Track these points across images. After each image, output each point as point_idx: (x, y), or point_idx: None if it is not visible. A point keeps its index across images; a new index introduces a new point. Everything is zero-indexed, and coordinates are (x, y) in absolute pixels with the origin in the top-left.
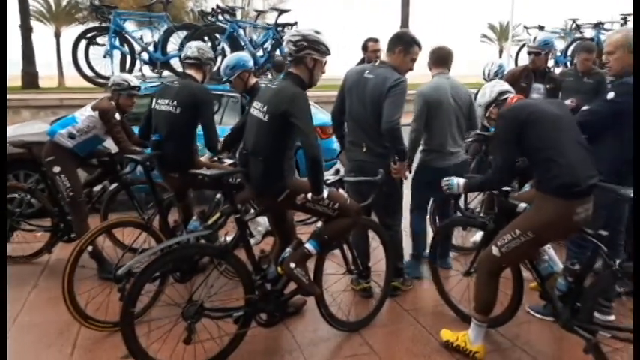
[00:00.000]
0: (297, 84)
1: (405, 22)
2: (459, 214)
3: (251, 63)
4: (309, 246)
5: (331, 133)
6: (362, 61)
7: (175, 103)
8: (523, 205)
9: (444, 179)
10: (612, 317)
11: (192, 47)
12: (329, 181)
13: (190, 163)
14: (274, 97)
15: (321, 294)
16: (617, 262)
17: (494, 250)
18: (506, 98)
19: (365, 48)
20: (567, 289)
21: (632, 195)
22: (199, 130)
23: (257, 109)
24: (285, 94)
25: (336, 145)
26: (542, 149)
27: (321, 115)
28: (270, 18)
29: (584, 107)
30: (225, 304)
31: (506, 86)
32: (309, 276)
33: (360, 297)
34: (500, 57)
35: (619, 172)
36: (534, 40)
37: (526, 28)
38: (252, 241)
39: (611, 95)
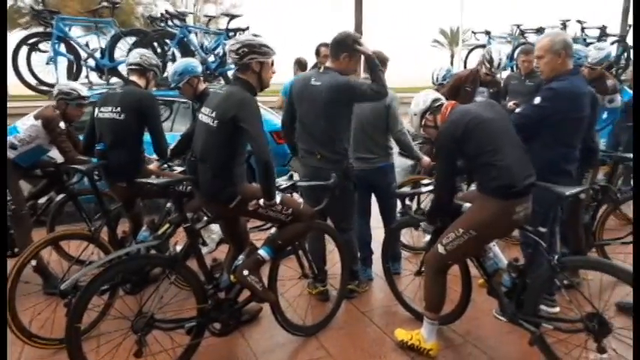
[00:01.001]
0: (246, 89)
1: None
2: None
3: (200, 69)
4: (262, 253)
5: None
6: (315, 66)
7: (119, 109)
8: (467, 204)
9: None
10: (557, 309)
11: (135, 53)
12: (282, 187)
13: (137, 172)
14: (223, 102)
15: (276, 300)
16: (556, 256)
17: (440, 249)
18: (440, 105)
19: (318, 53)
20: (512, 285)
21: (567, 193)
22: (147, 137)
23: (205, 115)
24: (234, 99)
25: None
26: (482, 153)
27: (277, 121)
28: (223, 23)
29: (517, 110)
30: (178, 314)
31: (438, 94)
32: (263, 283)
33: (316, 301)
34: (452, 61)
35: (545, 173)
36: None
37: (474, 33)
38: (206, 249)
39: (537, 100)
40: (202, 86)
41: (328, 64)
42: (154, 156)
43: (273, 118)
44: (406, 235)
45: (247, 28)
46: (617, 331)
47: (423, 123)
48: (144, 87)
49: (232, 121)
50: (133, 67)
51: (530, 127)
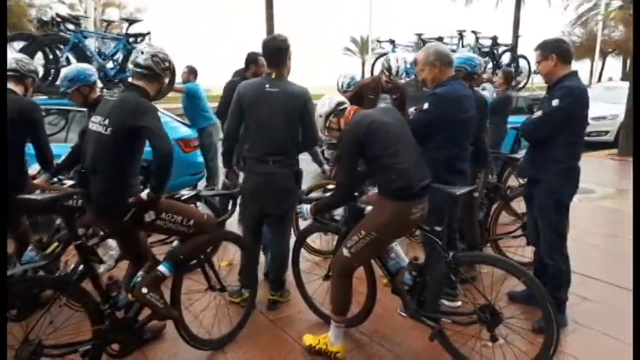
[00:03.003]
0: (141, 96)
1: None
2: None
3: (94, 77)
4: (162, 268)
5: (194, 146)
6: (240, 74)
7: None
8: (370, 207)
9: (297, 208)
10: (459, 303)
11: (10, 59)
12: (184, 197)
13: (20, 187)
14: (117, 108)
15: (179, 316)
16: (451, 254)
17: (345, 252)
18: (344, 109)
19: (255, 61)
20: (413, 283)
21: (457, 193)
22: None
23: (96, 124)
24: (130, 104)
25: (200, 159)
26: (383, 156)
27: (184, 129)
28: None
29: (410, 117)
30: (72, 338)
31: (342, 98)
32: (164, 299)
33: (224, 313)
34: (363, 69)
35: (441, 173)
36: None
37: (379, 41)
38: (103, 267)
39: (425, 106)
40: (95, 94)
41: (270, 70)
42: (36, 166)
43: (179, 125)
44: (316, 240)
45: (148, 33)
46: (507, 321)
47: (327, 125)
48: (22, 94)
49: (129, 127)
50: (10, 73)
51: (422, 131)
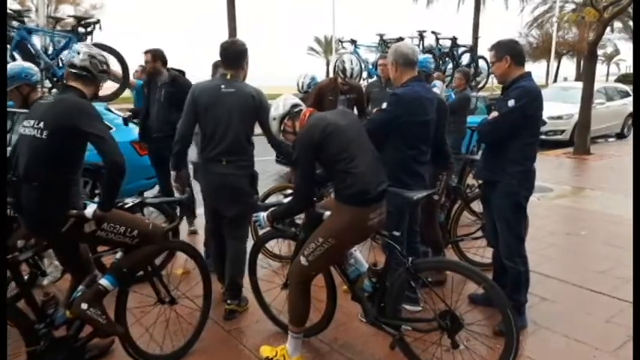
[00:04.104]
0: (79, 97)
1: (232, 33)
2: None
3: (36, 77)
4: (104, 282)
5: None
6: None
7: None
8: (329, 212)
9: (253, 216)
10: (419, 308)
11: None
12: (127, 205)
13: None
14: (52, 110)
15: (124, 332)
16: (410, 259)
17: (302, 260)
18: (299, 111)
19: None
20: (373, 289)
21: (414, 198)
22: None
23: (29, 127)
24: (69, 105)
25: None
26: (338, 161)
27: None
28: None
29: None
30: None
31: (297, 100)
32: (107, 315)
33: (176, 325)
34: (328, 69)
35: (399, 175)
36: None
37: (340, 42)
38: (47, 279)
39: (384, 105)
40: (37, 95)
41: (225, 71)
42: None
43: (133, 127)
44: (275, 247)
45: (98, 22)
46: (468, 327)
47: (281, 128)
48: None
49: (69, 130)
50: None
51: (379, 131)
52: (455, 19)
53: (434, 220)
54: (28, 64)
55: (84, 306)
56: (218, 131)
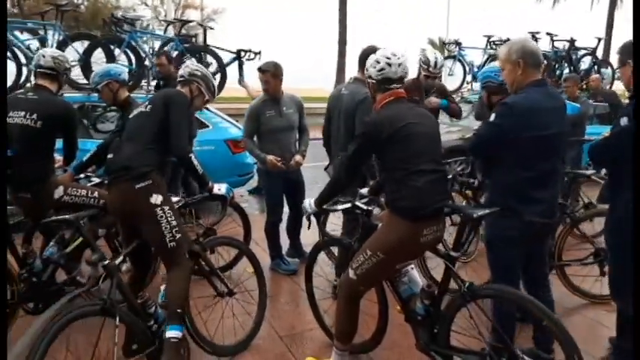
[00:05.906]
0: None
1: (342, 33)
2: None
3: (124, 76)
4: (173, 334)
5: (243, 147)
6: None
7: (35, 116)
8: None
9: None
10: None
11: (47, 56)
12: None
13: (44, 179)
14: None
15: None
16: (467, 284)
17: (351, 274)
18: (390, 88)
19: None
20: (426, 313)
21: (475, 215)
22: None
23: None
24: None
25: (249, 159)
26: (398, 169)
27: (233, 129)
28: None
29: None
30: None
31: (406, 69)
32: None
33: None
34: None
35: (506, 201)
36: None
37: (444, 43)
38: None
39: (492, 117)
40: (125, 94)
41: (357, 75)
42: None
43: (229, 126)
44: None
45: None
46: None
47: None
48: (56, 92)
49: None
50: (46, 71)
51: (484, 148)
52: (586, 19)
53: None
54: (116, 65)
55: None
56: (334, 132)
